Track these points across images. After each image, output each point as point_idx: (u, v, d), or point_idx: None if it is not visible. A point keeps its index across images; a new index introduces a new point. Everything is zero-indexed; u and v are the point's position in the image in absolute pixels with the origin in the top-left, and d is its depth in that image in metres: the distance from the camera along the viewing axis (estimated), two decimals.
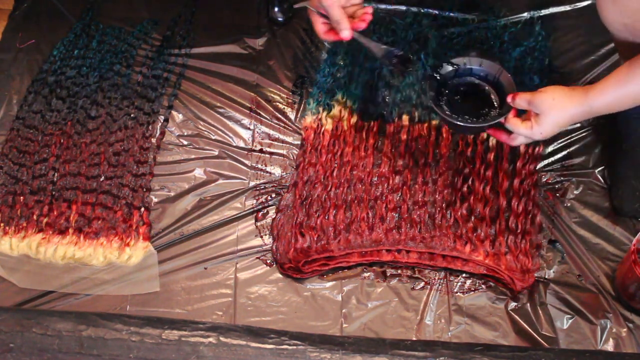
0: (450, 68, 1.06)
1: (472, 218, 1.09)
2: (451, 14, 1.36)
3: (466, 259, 1.06)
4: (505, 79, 1.04)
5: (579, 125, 1.20)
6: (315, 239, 1.08)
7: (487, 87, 1.06)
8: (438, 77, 1.05)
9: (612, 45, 1.28)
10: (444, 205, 1.10)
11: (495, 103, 1.05)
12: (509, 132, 0.99)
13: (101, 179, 1.17)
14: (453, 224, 1.09)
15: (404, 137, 1.18)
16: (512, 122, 0.97)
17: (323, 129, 1.20)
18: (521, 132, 0.96)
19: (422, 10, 1.37)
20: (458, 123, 1.01)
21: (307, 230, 1.09)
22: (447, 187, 1.12)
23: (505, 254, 1.06)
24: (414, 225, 1.08)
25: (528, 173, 1.13)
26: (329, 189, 1.13)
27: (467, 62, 1.06)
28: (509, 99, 0.98)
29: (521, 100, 0.96)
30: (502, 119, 0.98)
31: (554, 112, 0.93)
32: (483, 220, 1.09)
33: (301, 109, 1.26)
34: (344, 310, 1.05)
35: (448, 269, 1.07)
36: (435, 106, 1.02)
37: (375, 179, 1.14)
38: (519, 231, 1.08)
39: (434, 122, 1.19)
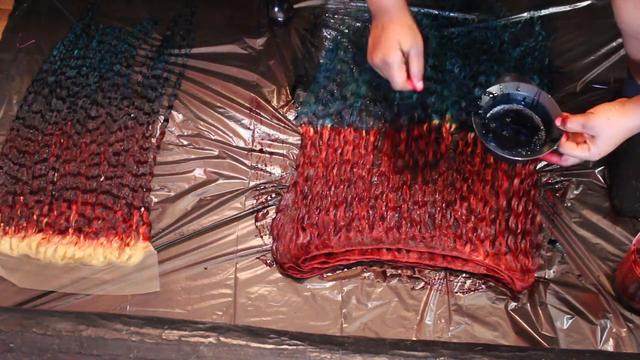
0: (487, 98, 1.03)
1: (472, 218, 1.09)
2: (451, 14, 1.36)
3: (466, 259, 1.06)
4: (545, 100, 1.01)
5: None
6: (316, 235, 1.08)
7: (528, 111, 1.03)
8: (481, 112, 1.02)
9: (612, 45, 1.29)
10: (444, 205, 1.10)
11: (540, 126, 1.02)
12: (560, 154, 0.96)
13: (101, 179, 1.17)
14: (453, 223, 1.09)
15: (403, 136, 1.18)
16: (567, 146, 0.94)
17: (322, 127, 1.20)
18: (578, 156, 0.94)
19: (422, 10, 1.37)
20: (512, 158, 0.99)
21: (307, 226, 1.09)
22: (447, 187, 1.12)
23: (505, 254, 1.06)
24: (414, 225, 1.08)
25: (528, 173, 1.13)
26: (329, 185, 1.13)
27: (504, 89, 1.03)
28: (558, 123, 0.95)
29: (573, 124, 0.93)
30: (555, 147, 0.95)
31: (609, 130, 0.91)
32: (483, 220, 1.09)
33: (300, 108, 1.25)
34: (344, 310, 1.05)
35: (448, 269, 1.07)
36: (485, 142, 1.00)
37: (375, 178, 1.15)
38: (519, 231, 1.08)
39: (434, 122, 1.20)
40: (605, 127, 0.91)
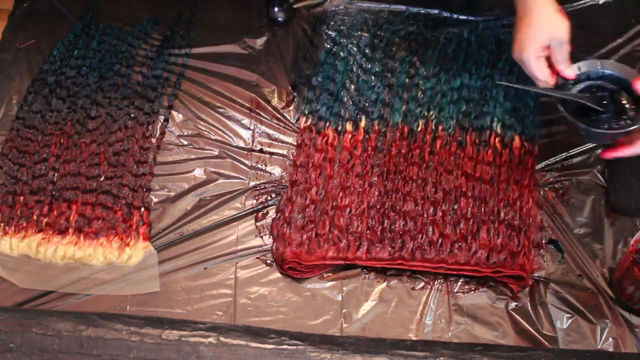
0: (582, 69, 1.01)
1: (471, 222, 1.09)
2: (451, 14, 1.36)
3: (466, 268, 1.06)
4: (615, 69, 0.99)
5: None
6: (308, 245, 1.08)
7: (620, 91, 0.99)
8: (580, 70, 0.99)
9: (612, 45, 1.29)
10: (441, 214, 1.10)
11: (629, 110, 0.98)
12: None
13: (101, 179, 1.17)
14: (452, 231, 1.08)
15: (404, 141, 1.18)
16: None
17: (321, 127, 1.21)
18: None
19: (421, 11, 1.37)
20: (595, 130, 0.96)
21: (297, 232, 1.09)
22: (447, 192, 1.12)
23: (505, 258, 1.05)
24: (416, 247, 1.07)
25: (528, 172, 1.13)
26: (327, 188, 1.13)
27: (600, 66, 1.01)
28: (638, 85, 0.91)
29: None
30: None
31: None
32: (483, 223, 1.08)
33: (300, 108, 1.25)
34: (344, 310, 1.05)
35: (448, 274, 1.07)
36: (562, 107, 0.97)
37: (375, 178, 1.14)
38: (519, 232, 1.07)
39: (435, 125, 1.20)
40: None
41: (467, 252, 1.06)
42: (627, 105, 0.98)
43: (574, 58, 1.03)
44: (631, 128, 0.95)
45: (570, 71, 0.99)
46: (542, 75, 0.99)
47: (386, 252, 1.07)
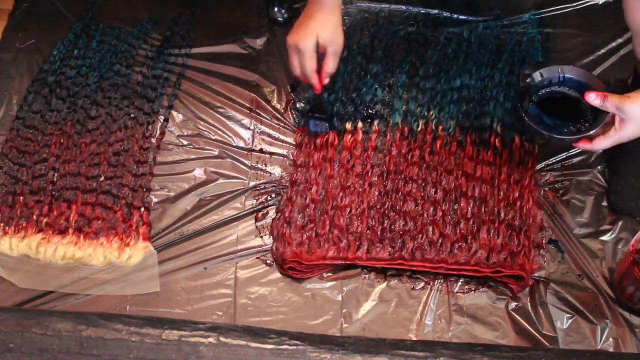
0: (555, 73, 1.05)
1: (471, 222, 1.09)
2: (451, 14, 1.36)
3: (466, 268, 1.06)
4: (578, 75, 1.03)
5: None
6: (308, 245, 1.08)
7: (581, 99, 1.03)
8: (541, 77, 1.05)
9: (612, 45, 1.29)
10: (443, 210, 1.10)
11: (589, 116, 1.02)
12: (590, 139, 0.98)
13: (101, 179, 1.17)
14: (452, 231, 1.08)
15: (404, 141, 1.18)
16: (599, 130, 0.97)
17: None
18: (609, 137, 0.96)
19: (421, 11, 1.37)
20: (555, 136, 1.01)
21: (297, 232, 1.09)
22: (446, 192, 1.12)
23: (505, 258, 1.05)
24: (416, 247, 1.07)
25: (528, 172, 1.13)
26: (326, 189, 1.13)
27: (561, 71, 1.05)
28: (590, 98, 0.95)
29: (608, 104, 0.94)
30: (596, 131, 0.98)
31: None
32: (483, 223, 1.08)
33: (299, 108, 1.25)
34: (344, 310, 1.05)
35: (448, 274, 1.07)
36: (525, 115, 1.02)
37: (375, 178, 1.14)
38: (518, 232, 1.07)
39: (435, 125, 1.20)
40: (638, 113, 0.92)
41: (467, 252, 1.06)
42: (586, 110, 1.02)
43: (536, 66, 1.07)
44: (588, 133, 0.99)
45: (324, 83, 1.10)
46: (310, 67, 1.06)
47: (386, 252, 1.07)
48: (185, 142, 1.23)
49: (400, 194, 1.12)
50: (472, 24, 1.34)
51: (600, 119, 0.98)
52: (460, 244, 1.07)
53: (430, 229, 1.08)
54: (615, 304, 1.02)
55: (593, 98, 0.95)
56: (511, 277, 1.04)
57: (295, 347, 0.85)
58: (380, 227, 1.09)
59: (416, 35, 1.33)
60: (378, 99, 1.24)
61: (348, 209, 1.11)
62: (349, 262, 1.07)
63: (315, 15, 1.04)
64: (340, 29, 1.05)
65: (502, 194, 1.11)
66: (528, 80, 1.05)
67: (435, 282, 1.06)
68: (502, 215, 1.09)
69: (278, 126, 1.24)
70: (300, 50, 1.04)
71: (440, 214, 1.10)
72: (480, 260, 1.05)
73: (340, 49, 1.07)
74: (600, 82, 1.02)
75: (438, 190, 1.12)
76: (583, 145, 0.99)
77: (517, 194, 1.11)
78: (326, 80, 1.09)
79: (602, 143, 0.97)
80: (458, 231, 1.08)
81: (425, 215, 1.10)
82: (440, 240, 1.07)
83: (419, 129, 1.19)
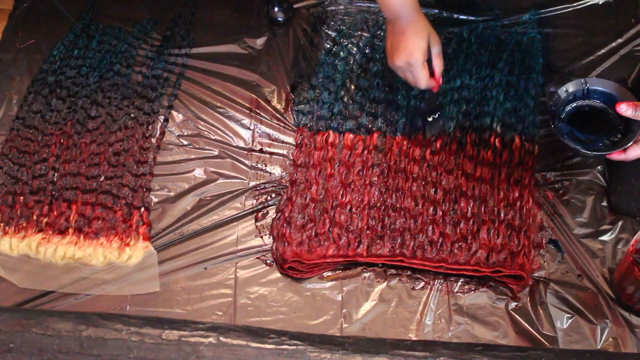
0: (579, 86, 1.06)
1: (471, 222, 1.09)
2: (451, 14, 1.36)
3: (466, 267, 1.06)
4: (626, 96, 1.03)
5: None
6: (308, 244, 1.08)
7: (609, 110, 1.04)
8: (566, 92, 1.06)
9: (612, 45, 1.28)
10: (442, 214, 1.10)
11: (619, 126, 1.03)
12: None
13: (101, 179, 1.17)
14: (452, 231, 1.08)
15: (405, 140, 1.18)
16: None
17: (320, 128, 1.21)
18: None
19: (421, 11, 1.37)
20: (591, 153, 1.01)
21: (297, 231, 1.09)
22: (446, 192, 1.12)
23: (505, 258, 1.05)
24: (417, 246, 1.07)
25: (528, 172, 1.13)
26: (326, 188, 1.13)
27: (584, 83, 1.06)
28: (621, 109, 0.96)
29: (627, 109, 0.95)
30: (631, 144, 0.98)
31: None
32: (483, 223, 1.08)
33: (300, 108, 1.25)
34: (344, 310, 1.05)
35: (448, 273, 1.07)
36: (558, 134, 1.03)
37: (375, 179, 1.14)
38: (518, 232, 1.07)
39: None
40: None
41: (467, 252, 1.06)
42: (616, 119, 1.03)
43: (560, 80, 1.08)
44: (626, 146, 0.98)
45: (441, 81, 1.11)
46: (425, 77, 1.07)
47: (386, 248, 1.07)
48: (185, 142, 1.23)
49: (400, 192, 1.12)
50: (472, 24, 1.34)
51: (634, 128, 0.98)
52: (460, 243, 1.07)
53: (430, 229, 1.09)
54: (615, 304, 1.02)
55: (625, 109, 0.95)
56: (511, 277, 1.04)
57: (295, 347, 0.85)
58: (380, 224, 1.09)
59: None
60: (379, 98, 1.24)
61: (348, 207, 1.11)
62: (349, 260, 1.07)
63: (407, 28, 1.04)
64: (432, 28, 1.07)
65: (502, 193, 1.11)
66: (554, 97, 1.06)
67: (435, 282, 1.06)
68: (502, 215, 1.09)
69: (278, 126, 1.24)
70: (412, 65, 1.05)
71: (441, 213, 1.10)
72: (480, 260, 1.05)
73: (441, 46, 1.08)
74: (627, 91, 1.02)
75: (438, 190, 1.12)
76: (617, 156, 0.99)
77: (517, 194, 1.11)
78: (441, 80, 1.11)
79: (636, 151, 0.97)
80: (458, 231, 1.08)
81: (425, 214, 1.10)
82: (440, 240, 1.07)
83: (420, 127, 1.19)
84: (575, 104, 1.07)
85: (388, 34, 1.08)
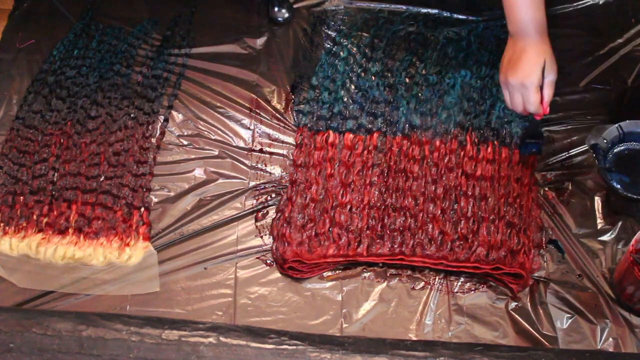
0: (615, 133, 1.08)
1: (472, 221, 1.09)
2: (451, 14, 1.36)
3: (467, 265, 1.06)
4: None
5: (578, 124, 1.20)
6: (308, 244, 1.08)
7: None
8: (605, 141, 1.08)
9: (612, 45, 1.29)
10: (441, 212, 1.10)
11: None
12: None
13: (101, 179, 1.17)
14: (452, 230, 1.08)
15: (405, 140, 1.18)
16: None
17: (321, 128, 1.21)
18: None
19: (421, 11, 1.37)
20: (635, 197, 1.04)
21: (297, 231, 1.09)
22: (447, 191, 1.12)
23: (504, 255, 1.05)
24: (417, 243, 1.08)
25: (528, 171, 1.13)
26: (326, 188, 1.13)
27: (619, 128, 1.08)
28: None
29: None
30: None
31: None
32: (483, 221, 1.08)
33: (299, 108, 1.25)
34: (344, 310, 1.05)
35: (448, 271, 1.07)
36: (605, 179, 1.05)
37: (375, 179, 1.14)
38: (518, 230, 1.07)
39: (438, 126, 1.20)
40: None
41: (467, 250, 1.06)
42: None
43: (597, 131, 1.09)
44: None
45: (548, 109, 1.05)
46: (536, 101, 1.03)
47: (386, 248, 1.07)
48: (185, 142, 1.23)
49: (400, 192, 1.12)
50: (472, 24, 1.34)
51: None
52: (460, 242, 1.07)
53: (430, 227, 1.09)
54: (615, 304, 1.02)
55: None
56: (511, 276, 1.04)
57: (295, 347, 0.85)
58: (380, 224, 1.09)
59: (416, 35, 1.33)
60: (379, 98, 1.24)
61: (348, 206, 1.11)
62: (349, 259, 1.07)
63: (528, 48, 1.01)
64: (554, 56, 1.03)
65: (501, 192, 1.11)
66: (599, 151, 1.07)
67: (435, 282, 1.06)
68: (502, 213, 1.09)
69: (278, 126, 1.24)
70: (526, 87, 1.02)
71: (440, 212, 1.10)
72: (480, 257, 1.05)
73: (556, 75, 1.04)
74: None
75: (438, 189, 1.12)
76: None
77: (517, 193, 1.11)
78: (548, 109, 1.06)
79: None
80: (458, 229, 1.08)
81: (425, 213, 1.10)
82: (440, 238, 1.08)
83: (420, 127, 1.20)
84: (613, 151, 1.10)
85: (507, 48, 1.05)
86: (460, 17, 1.35)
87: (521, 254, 1.05)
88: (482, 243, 1.06)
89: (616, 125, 1.09)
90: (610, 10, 1.34)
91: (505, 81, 1.04)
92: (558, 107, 1.22)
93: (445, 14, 1.36)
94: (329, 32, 1.35)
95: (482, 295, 1.05)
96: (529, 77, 1.01)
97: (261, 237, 1.12)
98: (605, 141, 1.09)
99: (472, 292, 1.05)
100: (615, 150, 1.10)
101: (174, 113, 1.26)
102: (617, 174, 1.08)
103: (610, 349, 0.99)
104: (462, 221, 1.09)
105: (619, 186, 1.06)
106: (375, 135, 1.19)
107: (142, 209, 1.15)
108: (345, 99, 1.24)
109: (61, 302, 1.06)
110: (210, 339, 0.85)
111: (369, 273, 1.08)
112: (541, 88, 1.03)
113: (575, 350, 0.96)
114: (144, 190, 1.17)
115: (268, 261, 1.10)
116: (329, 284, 1.07)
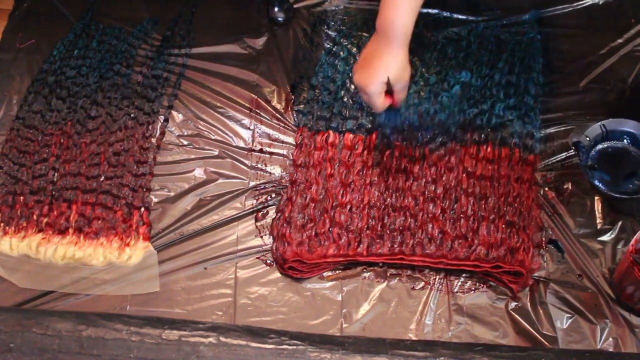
0: (598, 131, 1.10)
1: (472, 220, 1.09)
2: (451, 14, 1.36)
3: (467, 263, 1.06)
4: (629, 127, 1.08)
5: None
6: (308, 244, 1.08)
7: (630, 148, 1.10)
8: (588, 139, 1.09)
9: (612, 45, 1.28)
10: (441, 211, 1.10)
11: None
12: None
13: (101, 179, 1.17)
14: (452, 229, 1.08)
15: (404, 141, 1.18)
16: None
17: (320, 128, 1.21)
18: None
19: (421, 10, 1.36)
20: (620, 196, 1.05)
21: (297, 231, 1.09)
22: (447, 190, 1.12)
23: (504, 255, 1.05)
24: (416, 243, 1.08)
25: (528, 169, 1.13)
26: (326, 188, 1.13)
27: (602, 127, 1.09)
28: None
29: None
30: None
31: None
32: (483, 220, 1.09)
33: (299, 108, 1.25)
34: (344, 310, 1.05)
35: (448, 270, 1.07)
36: (588, 176, 1.07)
37: (376, 178, 1.15)
38: (518, 231, 1.07)
39: (438, 125, 1.20)
40: None
41: (467, 249, 1.06)
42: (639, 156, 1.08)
43: (579, 129, 1.10)
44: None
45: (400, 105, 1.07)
46: (380, 106, 1.05)
47: (386, 247, 1.07)
48: (185, 142, 1.23)
49: (400, 191, 1.12)
50: (472, 24, 1.34)
51: None
52: (460, 240, 1.07)
53: (430, 226, 1.09)
54: (615, 304, 1.02)
55: None
56: (510, 275, 1.04)
57: (295, 347, 0.85)
58: (380, 223, 1.09)
59: (416, 35, 1.33)
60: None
61: (348, 206, 1.11)
62: (349, 259, 1.07)
63: (382, 54, 1.00)
64: (408, 64, 1.02)
65: (501, 191, 1.11)
66: (582, 148, 1.09)
67: (435, 282, 1.06)
68: (502, 212, 1.09)
69: (278, 126, 1.24)
70: (367, 93, 1.02)
71: (440, 211, 1.10)
72: (480, 255, 1.05)
73: (407, 83, 1.04)
74: None
75: (438, 188, 1.12)
76: None
77: (517, 192, 1.11)
78: (398, 105, 1.07)
79: None
80: (458, 228, 1.08)
81: (425, 212, 1.10)
82: (440, 237, 1.08)
83: (420, 126, 1.20)
84: (596, 149, 1.11)
85: (368, 43, 1.03)
86: (460, 17, 1.35)
87: (521, 252, 1.05)
88: (481, 242, 1.06)
89: (599, 123, 1.10)
90: (610, 10, 1.34)
91: (354, 79, 1.04)
92: (558, 107, 1.22)
93: (445, 14, 1.36)
94: (329, 32, 1.35)
95: (482, 295, 1.05)
96: (369, 87, 1.01)
97: (261, 237, 1.12)
98: (588, 139, 1.10)
99: (472, 292, 1.05)
100: (598, 148, 1.11)
101: (174, 113, 1.27)
102: (600, 172, 1.09)
103: (610, 349, 0.99)
104: (462, 220, 1.09)
105: (600, 184, 1.07)
106: (375, 135, 1.19)
107: (142, 209, 1.15)
108: (345, 99, 1.24)
109: (61, 302, 1.06)
110: (210, 339, 0.85)
111: (369, 273, 1.08)
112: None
113: (575, 350, 0.96)
114: (144, 190, 1.17)
115: (268, 261, 1.10)
116: (329, 284, 1.07)
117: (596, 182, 1.08)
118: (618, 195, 1.06)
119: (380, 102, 1.04)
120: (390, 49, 1.00)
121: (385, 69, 1.00)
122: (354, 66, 1.06)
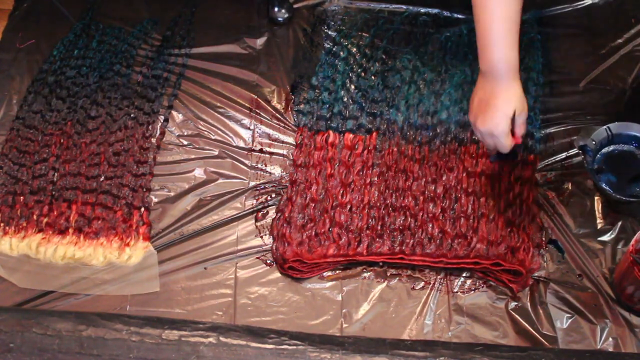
0: (604, 134, 1.10)
1: (472, 219, 1.09)
2: (451, 14, 1.36)
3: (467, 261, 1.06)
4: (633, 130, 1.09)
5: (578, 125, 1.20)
6: (308, 244, 1.08)
7: (635, 151, 1.11)
8: (594, 142, 1.10)
9: (612, 45, 1.29)
10: (441, 211, 1.10)
11: None
12: None
13: (101, 179, 1.17)
14: (452, 228, 1.08)
15: (404, 140, 1.18)
16: None
17: (320, 128, 1.21)
18: None
19: (421, 10, 1.37)
20: (623, 198, 1.06)
21: (297, 231, 1.09)
22: (447, 190, 1.12)
23: (504, 254, 1.06)
24: (416, 242, 1.08)
25: (528, 168, 1.13)
26: (326, 188, 1.13)
27: (608, 130, 1.10)
28: None
29: None
30: None
31: None
32: (482, 217, 1.09)
33: (299, 108, 1.25)
34: (344, 310, 1.05)
35: (448, 269, 1.07)
36: (596, 179, 1.08)
37: (376, 178, 1.15)
38: (518, 230, 1.07)
39: (438, 125, 1.20)
40: None
41: (466, 247, 1.06)
42: None
43: (585, 132, 1.11)
44: None
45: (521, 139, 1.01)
46: (509, 145, 0.99)
47: (386, 247, 1.07)
48: (185, 142, 1.23)
49: (400, 191, 1.12)
50: (472, 23, 1.34)
51: None
52: (460, 240, 1.07)
53: (430, 226, 1.09)
54: (615, 304, 1.02)
55: None
56: (510, 274, 1.04)
57: (295, 347, 0.85)
58: (380, 223, 1.09)
59: (416, 35, 1.33)
60: (379, 98, 1.24)
61: (348, 206, 1.11)
62: (349, 259, 1.07)
63: (499, 92, 0.96)
64: (523, 96, 0.97)
65: (501, 190, 1.11)
66: (588, 152, 1.09)
67: (435, 282, 1.06)
68: (502, 211, 1.09)
69: (278, 126, 1.24)
70: (496, 136, 0.98)
71: (440, 211, 1.10)
72: (480, 253, 1.05)
73: (527, 115, 1.00)
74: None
75: (438, 188, 1.12)
76: None
77: (516, 191, 1.11)
78: (520, 140, 1.01)
79: None
80: (458, 227, 1.08)
81: (425, 211, 1.10)
82: (440, 236, 1.08)
83: (420, 126, 1.20)
84: (601, 152, 1.11)
85: (477, 87, 0.99)
86: (460, 16, 1.35)
87: (521, 251, 1.05)
88: (481, 239, 1.06)
89: (605, 126, 1.11)
90: (610, 10, 1.34)
91: (474, 127, 1.00)
92: (558, 107, 1.22)
93: (445, 14, 1.36)
94: (329, 32, 1.35)
95: (482, 295, 1.05)
96: (497, 127, 0.97)
97: (261, 237, 1.12)
98: (594, 142, 1.10)
99: (472, 291, 1.05)
100: (603, 152, 1.11)
101: (174, 113, 1.27)
102: (606, 175, 1.10)
103: (610, 349, 0.99)
104: (462, 219, 1.09)
105: (607, 187, 1.07)
106: (375, 135, 1.19)
107: (142, 209, 1.15)
108: (345, 99, 1.24)
109: (61, 302, 1.06)
110: (210, 339, 0.85)
111: (369, 273, 1.08)
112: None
113: (575, 350, 0.96)
114: (144, 190, 1.17)
115: (268, 261, 1.10)
116: (329, 284, 1.07)
117: (603, 185, 1.08)
118: (625, 198, 1.06)
119: (510, 141, 0.98)
120: (504, 85, 0.96)
121: (508, 104, 0.96)
122: (469, 115, 1.01)
